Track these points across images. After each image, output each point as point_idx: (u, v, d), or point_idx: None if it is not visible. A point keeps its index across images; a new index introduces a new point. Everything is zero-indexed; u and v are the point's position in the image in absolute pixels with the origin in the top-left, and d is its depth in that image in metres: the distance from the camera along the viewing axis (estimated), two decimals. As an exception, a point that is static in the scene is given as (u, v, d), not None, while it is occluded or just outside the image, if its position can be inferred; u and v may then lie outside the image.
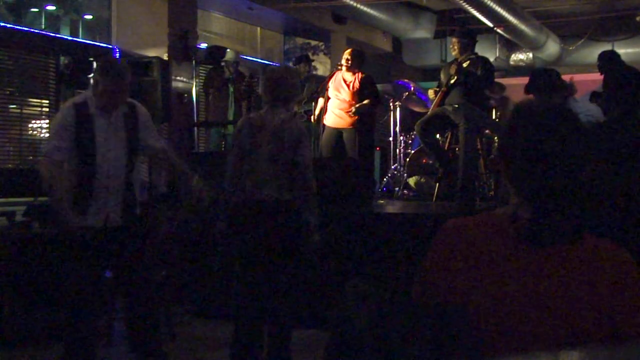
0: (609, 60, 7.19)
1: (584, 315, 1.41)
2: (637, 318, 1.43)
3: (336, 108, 6.58)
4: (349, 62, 6.49)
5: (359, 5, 9.80)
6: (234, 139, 4.00)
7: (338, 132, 6.58)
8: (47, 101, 7.47)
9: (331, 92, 6.60)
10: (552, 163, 1.45)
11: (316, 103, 6.79)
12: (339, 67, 6.57)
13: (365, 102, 6.51)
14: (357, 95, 6.53)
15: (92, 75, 3.82)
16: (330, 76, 6.72)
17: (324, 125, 6.63)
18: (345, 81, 6.57)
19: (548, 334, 1.40)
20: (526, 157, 1.47)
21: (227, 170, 3.93)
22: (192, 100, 7.83)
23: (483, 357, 1.35)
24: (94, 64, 6.61)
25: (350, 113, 6.51)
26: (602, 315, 1.41)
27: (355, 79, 6.55)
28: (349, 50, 6.67)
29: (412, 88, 7.74)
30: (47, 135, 7.54)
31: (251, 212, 3.78)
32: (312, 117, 6.92)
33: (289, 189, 3.77)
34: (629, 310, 1.43)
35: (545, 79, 4.90)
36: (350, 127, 6.54)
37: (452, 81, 6.04)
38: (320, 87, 6.86)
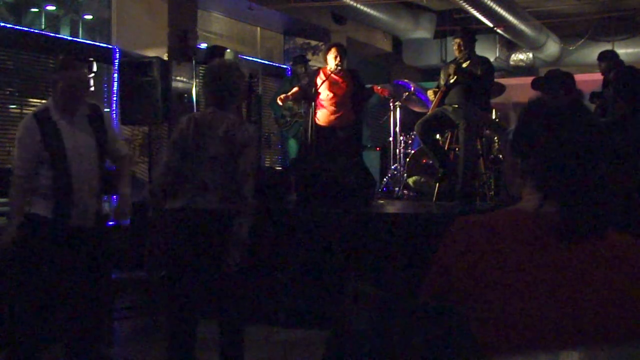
0: (609, 60, 7.20)
1: (610, 311, 1.40)
2: None
3: (329, 105, 6.53)
4: (341, 59, 6.45)
5: (359, 5, 9.80)
6: (175, 137, 3.66)
7: (330, 130, 6.54)
8: (47, 101, 7.45)
9: (325, 89, 6.51)
10: (577, 157, 1.45)
11: (308, 104, 6.72)
12: (336, 67, 6.52)
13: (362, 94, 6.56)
14: (351, 89, 6.53)
15: (54, 78, 3.84)
16: (316, 75, 6.64)
17: (316, 123, 6.54)
18: (337, 76, 6.49)
19: (575, 330, 1.38)
20: (549, 153, 1.46)
21: (159, 170, 3.68)
22: (192, 100, 7.82)
23: (482, 357, 1.34)
24: (94, 64, 6.63)
25: (343, 110, 6.52)
26: (629, 311, 1.40)
27: (345, 74, 6.53)
28: (335, 48, 6.52)
29: (412, 88, 7.74)
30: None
31: (189, 221, 3.55)
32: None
33: (230, 198, 3.54)
34: None
35: (561, 82, 4.76)
36: (342, 125, 6.53)
37: (451, 81, 6.05)
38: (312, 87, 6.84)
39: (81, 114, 3.78)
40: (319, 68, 6.80)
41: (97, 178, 3.77)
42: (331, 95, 6.52)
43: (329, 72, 6.46)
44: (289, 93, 6.98)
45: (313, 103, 6.55)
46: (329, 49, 6.61)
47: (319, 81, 6.48)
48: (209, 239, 3.53)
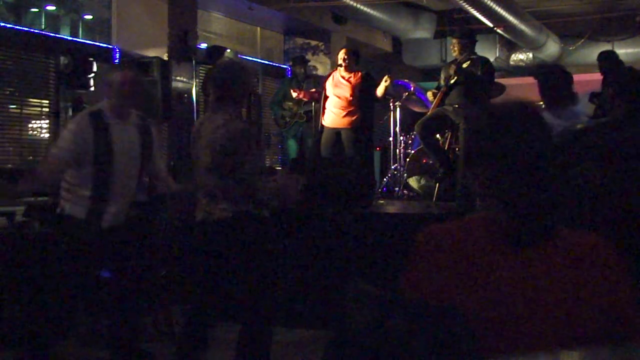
0: (609, 60, 7.19)
1: (573, 307, 1.41)
2: (624, 303, 1.44)
3: (334, 107, 6.59)
4: (346, 61, 6.50)
5: (359, 5, 9.79)
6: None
7: (336, 132, 6.59)
8: (47, 101, 7.45)
9: (329, 91, 6.61)
10: (522, 164, 1.43)
11: (317, 102, 6.80)
12: (337, 68, 6.59)
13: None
14: (357, 92, 6.54)
15: (106, 80, 3.86)
16: (328, 76, 6.75)
17: (322, 125, 6.64)
18: (344, 78, 6.58)
19: (541, 332, 1.39)
20: (495, 159, 1.45)
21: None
22: (192, 100, 7.83)
23: (482, 357, 1.34)
24: (94, 64, 6.64)
25: (349, 112, 6.52)
26: (591, 305, 1.41)
27: (353, 76, 6.57)
28: (344, 50, 6.66)
29: (412, 88, 7.75)
30: (46, 135, 7.54)
31: (208, 234, 3.50)
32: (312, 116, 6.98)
33: (242, 201, 3.42)
34: (616, 297, 1.43)
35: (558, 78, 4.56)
36: (348, 126, 6.56)
37: (452, 81, 6.05)
38: (320, 88, 6.89)
39: (132, 120, 3.83)
40: (331, 71, 6.88)
41: (135, 185, 3.84)
42: (336, 96, 6.57)
43: (339, 74, 6.57)
44: (303, 92, 7.15)
45: (314, 104, 6.60)
46: (338, 52, 6.73)
47: (327, 83, 6.58)
48: (230, 248, 3.48)
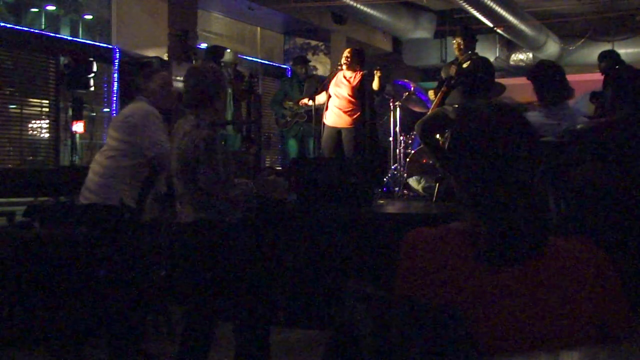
0: (609, 60, 7.19)
1: (565, 318, 1.36)
2: (616, 310, 1.40)
3: (335, 107, 6.62)
4: (349, 60, 6.54)
5: (359, 5, 9.80)
6: None
7: (337, 132, 6.62)
8: (47, 101, 7.46)
9: (332, 90, 6.65)
10: (500, 171, 1.33)
11: (314, 102, 6.83)
12: (340, 67, 6.63)
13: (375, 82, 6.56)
14: (358, 91, 6.57)
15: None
16: (332, 75, 6.77)
17: (324, 124, 6.68)
18: (345, 78, 6.62)
19: (529, 344, 1.35)
20: (472, 164, 1.36)
21: None
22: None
23: (482, 358, 1.34)
24: (94, 64, 6.64)
25: (348, 111, 6.54)
26: (583, 315, 1.37)
27: (355, 76, 6.60)
28: (348, 49, 6.76)
29: (412, 88, 7.74)
30: (46, 135, 7.54)
31: (174, 237, 3.51)
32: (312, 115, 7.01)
33: (206, 206, 3.31)
34: (608, 305, 1.39)
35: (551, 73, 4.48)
36: (349, 126, 6.58)
37: (452, 81, 6.05)
38: (320, 86, 6.90)
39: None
40: (336, 70, 6.90)
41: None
42: (336, 96, 6.62)
43: (342, 74, 6.62)
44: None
45: (313, 104, 6.63)
46: (342, 51, 6.80)
47: (332, 82, 6.64)
48: (192, 253, 3.41)
